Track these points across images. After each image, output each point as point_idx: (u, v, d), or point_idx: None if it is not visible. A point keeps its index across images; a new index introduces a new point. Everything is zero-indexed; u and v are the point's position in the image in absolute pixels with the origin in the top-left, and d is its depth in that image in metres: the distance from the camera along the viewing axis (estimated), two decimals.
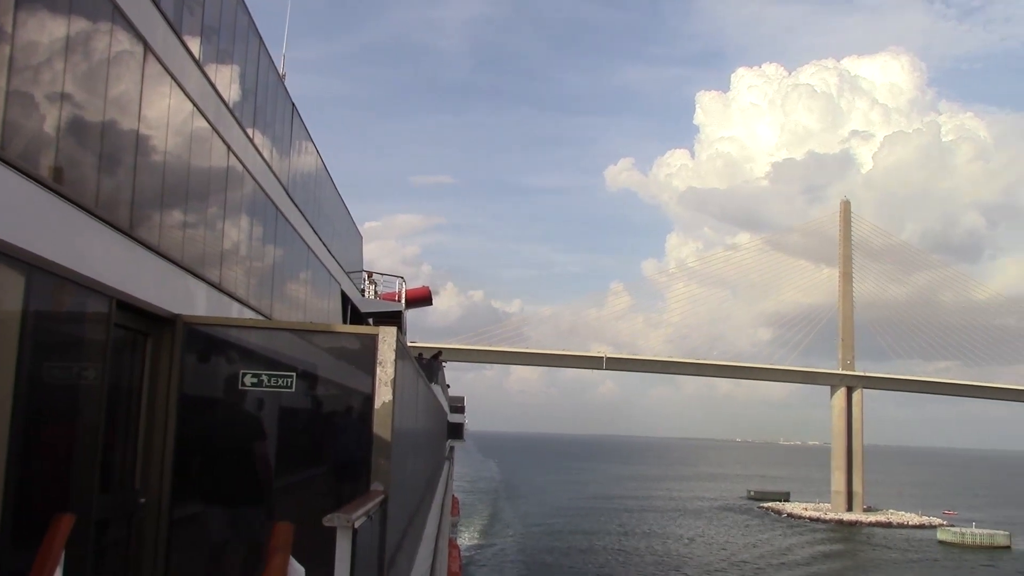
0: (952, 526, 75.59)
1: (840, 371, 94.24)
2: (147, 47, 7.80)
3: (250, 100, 12.36)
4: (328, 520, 5.18)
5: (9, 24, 5.38)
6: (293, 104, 15.89)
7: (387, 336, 7.51)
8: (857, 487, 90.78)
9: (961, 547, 68.82)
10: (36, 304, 5.59)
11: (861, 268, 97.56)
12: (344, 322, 21.82)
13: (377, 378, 7.38)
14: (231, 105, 10.96)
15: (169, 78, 8.49)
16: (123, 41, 7.33)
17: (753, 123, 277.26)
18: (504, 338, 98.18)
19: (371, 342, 7.53)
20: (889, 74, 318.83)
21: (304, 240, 16.50)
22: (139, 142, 7.75)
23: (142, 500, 7.15)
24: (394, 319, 28.78)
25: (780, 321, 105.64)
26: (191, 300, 9.06)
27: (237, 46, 11.67)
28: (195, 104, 9.35)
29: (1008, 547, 68.96)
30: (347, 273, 23.65)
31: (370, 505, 6.14)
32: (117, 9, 7.10)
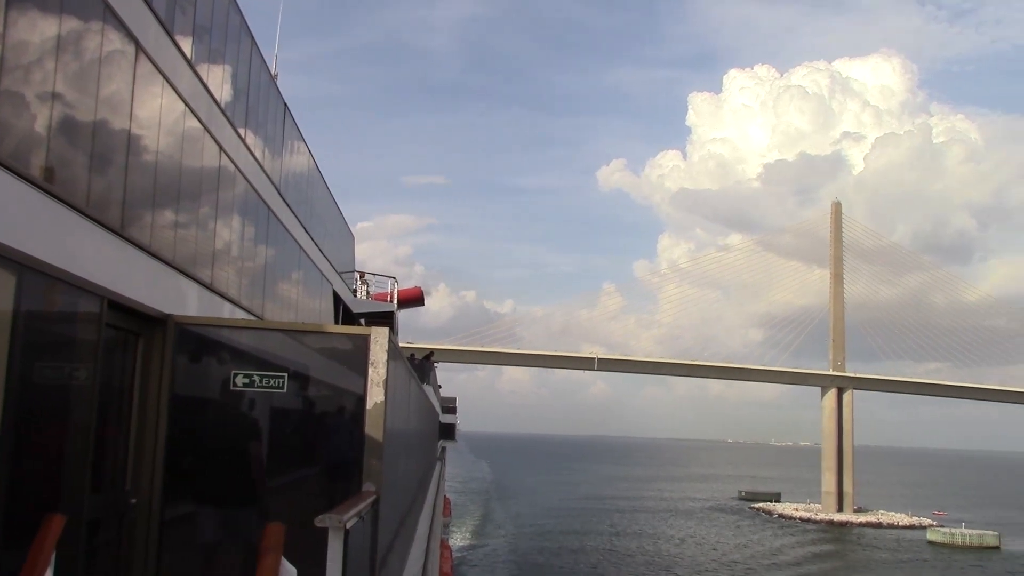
0: (942, 527, 75.96)
1: (831, 372, 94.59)
2: (139, 47, 7.78)
3: (242, 100, 12.34)
4: (320, 521, 5.19)
5: (0, 23, 5.37)
6: (285, 104, 15.86)
7: (379, 337, 7.51)
8: (848, 488, 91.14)
9: (951, 547, 69.17)
10: (27, 304, 5.58)
11: (852, 269, 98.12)
12: (336, 322, 21.78)
13: (369, 379, 7.38)
14: (223, 105, 10.93)
15: (161, 78, 8.47)
16: (114, 40, 7.31)
17: (745, 124, 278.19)
18: (496, 339, 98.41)
19: (363, 343, 7.53)
20: (880, 76, 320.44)
21: (296, 240, 16.48)
22: (131, 142, 7.73)
23: (133, 500, 7.14)
24: (386, 320, 28.74)
25: (771, 322, 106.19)
26: (182, 300, 9.04)
27: (229, 46, 11.65)
28: (187, 104, 9.33)
29: (997, 547, 69.35)
30: (339, 273, 23.62)
31: (362, 506, 6.14)
32: (108, 8, 7.08)
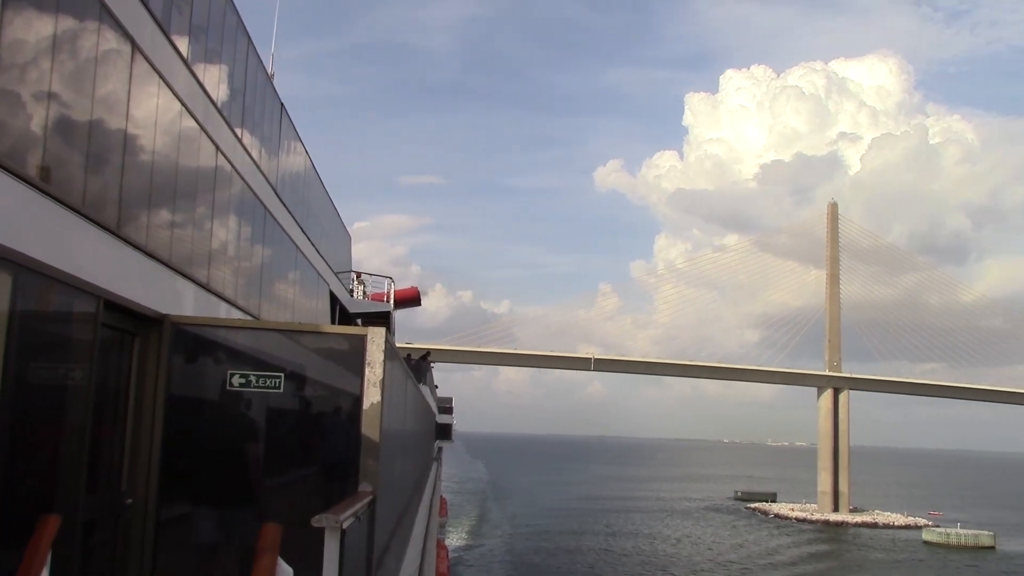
0: (937, 526, 76.04)
1: (827, 372, 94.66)
2: (135, 46, 7.77)
3: (238, 100, 12.33)
4: (316, 521, 5.18)
5: None
6: (282, 104, 15.85)
7: (376, 337, 7.50)
8: (843, 488, 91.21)
9: (946, 547, 69.24)
10: (23, 304, 5.57)
11: (848, 270, 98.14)
12: (332, 323, 21.77)
13: (365, 379, 7.38)
14: (219, 105, 10.92)
15: (157, 77, 8.46)
16: (111, 40, 7.30)
17: (741, 125, 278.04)
18: (493, 339, 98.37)
19: (359, 343, 7.53)
20: (877, 76, 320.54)
21: (292, 240, 16.46)
22: (127, 141, 7.72)
23: (129, 501, 7.13)
24: (383, 320, 28.73)
25: (768, 322, 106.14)
26: (179, 300, 9.03)
27: (225, 45, 11.64)
28: (183, 103, 9.32)
29: (992, 547, 69.44)
30: (336, 273, 23.61)
31: (358, 506, 6.14)
32: (105, 8, 7.07)
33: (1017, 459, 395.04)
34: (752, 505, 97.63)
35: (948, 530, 72.74)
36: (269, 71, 15.89)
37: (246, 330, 8.40)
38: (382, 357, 7.44)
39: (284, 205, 15.45)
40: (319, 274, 20.19)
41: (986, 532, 72.43)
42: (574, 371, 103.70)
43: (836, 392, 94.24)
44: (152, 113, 8.40)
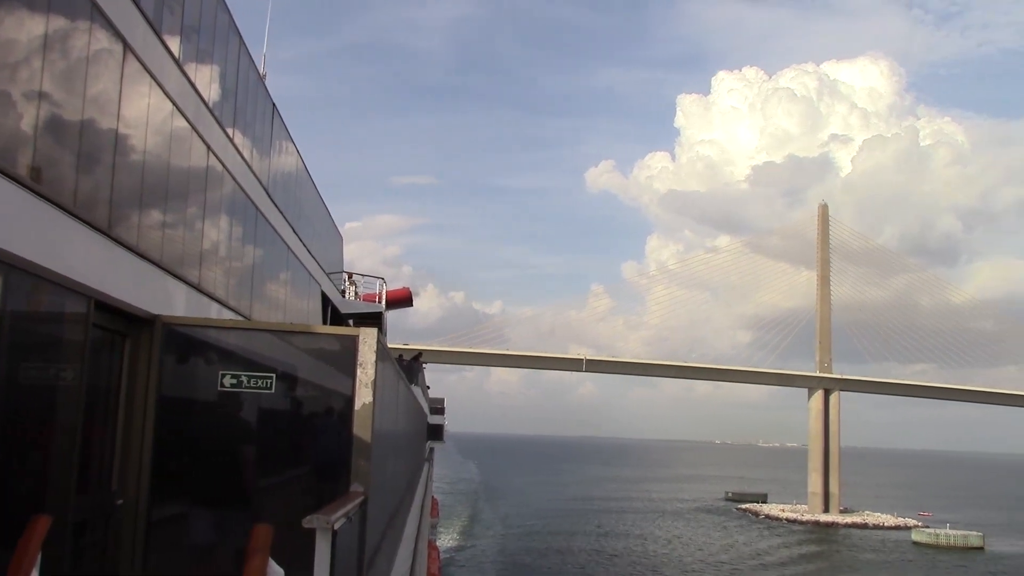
0: (927, 527, 76.40)
1: (817, 374, 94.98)
2: (126, 46, 7.76)
3: (230, 100, 12.30)
4: (307, 522, 5.18)
5: None
6: (274, 104, 15.82)
7: (367, 337, 7.51)
8: (834, 489, 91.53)
9: (935, 548, 69.59)
10: (13, 304, 5.56)
11: (839, 271, 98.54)
12: (324, 323, 21.74)
13: (357, 379, 7.38)
14: (211, 105, 10.90)
15: (148, 77, 8.44)
16: (102, 40, 7.29)
17: (733, 126, 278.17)
18: (485, 339, 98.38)
19: (351, 343, 7.53)
20: (868, 79, 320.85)
21: (284, 240, 16.44)
22: (118, 141, 7.70)
23: (120, 501, 7.12)
24: (374, 320, 28.69)
25: (759, 324, 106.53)
26: (170, 300, 9.01)
27: (217, 45, 11.62)
28: (175, 103, 9.30)
29: (981, 548, 69.83)
30: (327, 274, 23.57)
31: (350, 507, 6.14)
32: (96, 7, 7.06)
33: (1007, 460, 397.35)
34: (743, 506, 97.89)
35: (937, 531, 73.10)
36: (261, 71, 15.87)
37: (237, 330, 8.39)
38: (374, 358, 7.44)
39: (276, 205, 15.43)
40: (311, 274, 20.17)
41: (975, 533, 72.83)
42: (566, 372, 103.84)
43: (826, 393, 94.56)
44: (143, 113, 8.39)
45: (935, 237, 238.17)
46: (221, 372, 7.43)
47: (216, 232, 11.45)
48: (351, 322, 26.35)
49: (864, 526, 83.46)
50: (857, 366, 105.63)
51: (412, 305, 39.52)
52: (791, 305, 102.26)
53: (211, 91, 11.05)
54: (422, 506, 22.14)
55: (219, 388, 7.36)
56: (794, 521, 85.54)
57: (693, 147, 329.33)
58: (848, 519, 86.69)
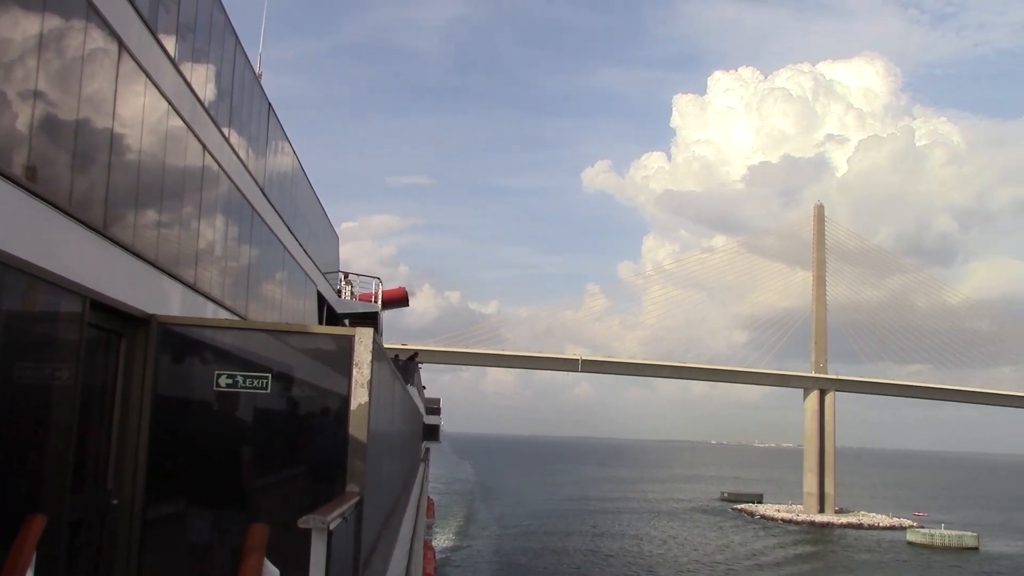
0: (922, 527, 76.49)
1: (813, 374, 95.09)
2: (122, 45, 7.75)
3: (226, 99, 12.29)
4: (303, 522, 5.18)
5: None
6: (269, 103, 15.81)
7: (363, 337, 7.50)
8: (829, 489, 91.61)
9: (930, 548, 69.69)
10: (8, 303, 5.55)
11: (835, 271, 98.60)
12: (320, 323, 21.73)
13: (353, 379, 7.38)
14: (207, 104, 10.89)
15: (144, 76, 8.43)
16: (97, 39, 7.28)
17: (729, 126, 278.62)
18: (481, 340, 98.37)
19: (347, 343, 7.52)
20: (864, 79, 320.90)
21: (280, 240, 16.43)
22: (113, 141, 7.70)
23: (115, 501, 7.10)
24: (370, 320, 28.69)
25: (755, 324, 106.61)
26: (165, 300, 9.01)
27: (213, 45, 11.61)
28: (170, 103, 9.29)
29: (976, 548, 69.93)
30: (323, 274, 23.57)
31: (345, 507, 6.14)
32: (91, 6, 7.05)
33: (1002, 460, 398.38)
34: (738, 506, 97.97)
35: (932, 531, 73.19)
36: (257, 71, 15.86)
37: (233, 330, 8.38)
38: (370, 358, 7.43)
39: (271, 205, 15.42)
40: (307, 274, 20.16)
41: (970, 533, 72.98)
42: (561, 372, 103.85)
43: (822, 393, 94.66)
44: (139, 112, 8.38)
45: (931, 237, 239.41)
46: (217, 372, 7.41)
47: (212, 232, 11.44)
48: (347, 322, 26.34)
49: (859, 526, 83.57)
50: (853, 366, 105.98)
51: (408, 305, 39.53)
52: (787, 305, 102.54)
53: (207, 90, 11.04)
54: (418, 506, 22.13)
55: (215, 388, 7.35)
56: (789, 521, 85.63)
57: (689, 147, 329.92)
58: (843, 519, 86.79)
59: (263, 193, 14.64)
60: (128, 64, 7.94)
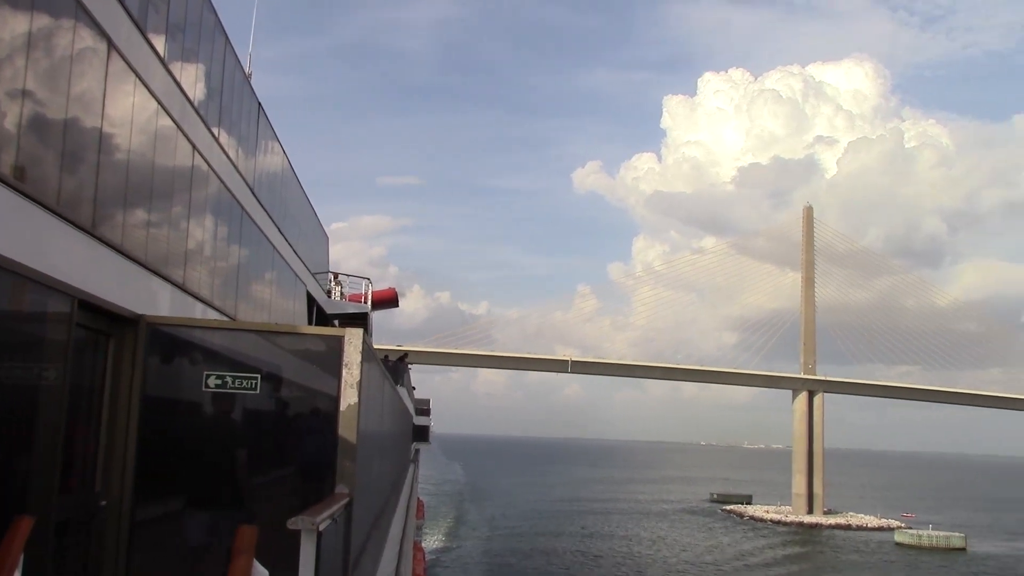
0: (909, 528, 76.87)
1: (802, 375, 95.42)
2: (111, 44, 7.72)
3: (216, 99, 12.26)
4: (292, 523, 5.17)
5: None
6: (259, 103, 15.78)
7: (353, 338, 7.49)
8: (818, 490, 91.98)
9: (918, 549, 70.09)
10: None
11: (824, 273, 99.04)
12: (310, 323, 21.69)
13: (343, 380, 7.37)
14: (196, 104, 10.86)
15: (133, 76, 8.40)
16: (86, 38, 7.25)
17: (719, 128, 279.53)
18: (471, 340, 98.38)
19: (337, 344, 7.52)
20: (853, 80, 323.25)
21: (269, 240, 16.39)
22: (102, 140, 7.67)
23: (103, 502, 7.07)
24: (360, 321, 28.65)
25: (745, 325, 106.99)
26: (154, 300, 8.97)
27: (203, 44, 11.58)
28: (160, 102, 9.26)
29: (963, 549, 70.35)
30: (313, 274, 23.52)
31: (335, 508, 6.13)
32: (80, 5, 7.02)
33: (990, 461, 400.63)
34: (728, 507, 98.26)
35: (920, 532, 73.59)
36: (247, 70, 15.82)
37: (222, 331, 8.35)
38: (359, 358, 7.43)
39: (261, 205, 15.38)
40: (296, 275, 20.12)
41: (957, 534, 73.39)
42: (552, 373, 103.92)
43: (811, 395, 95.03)
44: (128, 112, 8.35)
45: (920, 239, 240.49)
46: (206, 372, 7.39)
47: (201, 232, 11.41)
48: (337, 322, 26.30)
49: (848, 527, 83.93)
50: (842, 368, 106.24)
51: (398, 306, 39.49)
52: (776, 306, 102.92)
53: (196, 90, 11.01)
54: (407, 507, 22.11)
55: (204, 388, 7.33)
56: (778, 522, 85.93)
57: (679, 148, 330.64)
58: (832, 520, 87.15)
59: (253, 193, 14.61)
60: (117, 63, 7.92)
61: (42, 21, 6.42)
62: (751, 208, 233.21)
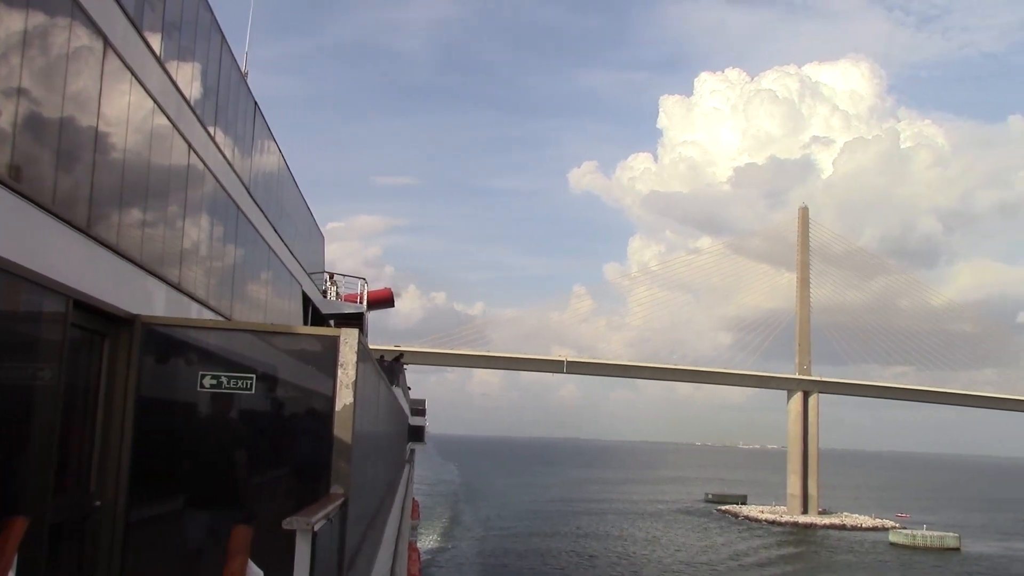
0: (904, 528, 77.04)
1: (797, 376, 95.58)
2: (107, 43, 7.70)
3: (212, 98, 12.24)
4: (287, 523, 5.17)
5: None
6: (255, 102, 15.76)
7: (348, 338, 7.49)
8: (812, 490, 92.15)
9: (912, 549, 70.24)
10: None
11: (820, 273, 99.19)
12: (305, 323, 21.67)
13: (338, 380, 7.36)
14: (192, 103, 10.85)
15: (129, 74, 8.39)
16: (82, 36, 7.23)
17: (716, 128, 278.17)
18: (467, 340, 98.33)
19: (332, 344, 7.51)
20: (849, 81, 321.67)
21: (265, 240, 16.37)
22: (98, 139, 7.65)
23: (98, 503, 7.05)
24: (356, 321, 28.64)
25: (740, 325, 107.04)
26: (150, 300, 8.96)
27: (199, 43, 11.56)
28: (156, 101, 9.25)
29: (957, 549, 70.55)
30: (309, 274, 23.50)
31: (330, 508, 6.13)
32: (76, 4, 7.00)
33: (984, 462, 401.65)
34: (723, 507, 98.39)
35: (914, 532, 73.76)
36: (243, 70, 15.80)
37: (217, 331, 8.35)
38: (355, 359, 7.42)
39: (257, 205, 15.36)
40: (292, 274, 20.10)
41: (951, 534, 73.58)
42: (548, 373, 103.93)
43: (806, 395, 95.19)
44: (124, 111, 8.33)
45: (915, 239, 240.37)
46: (201, 372, 7.38)
47: (197, 231, 11.39)
48: (332, 323, 26.28)
49: (842, 527, 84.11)
50: (837, 368, 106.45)
51: (394, 306, 39.45)
52: (772, 307, 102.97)
53: (192, 89, 11.00)
54: (403, 508, 22.10)
55: (199, 389, 7.32)
56: (773, 522, 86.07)
57: (675, 148, 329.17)
58: (826, 520, 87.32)
59: (249, 193, 14.59)
60: (113, 62, 7.90)
61: (38, 19, 6.41)
62: (747, 208, 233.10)
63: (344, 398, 7.33)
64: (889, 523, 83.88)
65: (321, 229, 29.32)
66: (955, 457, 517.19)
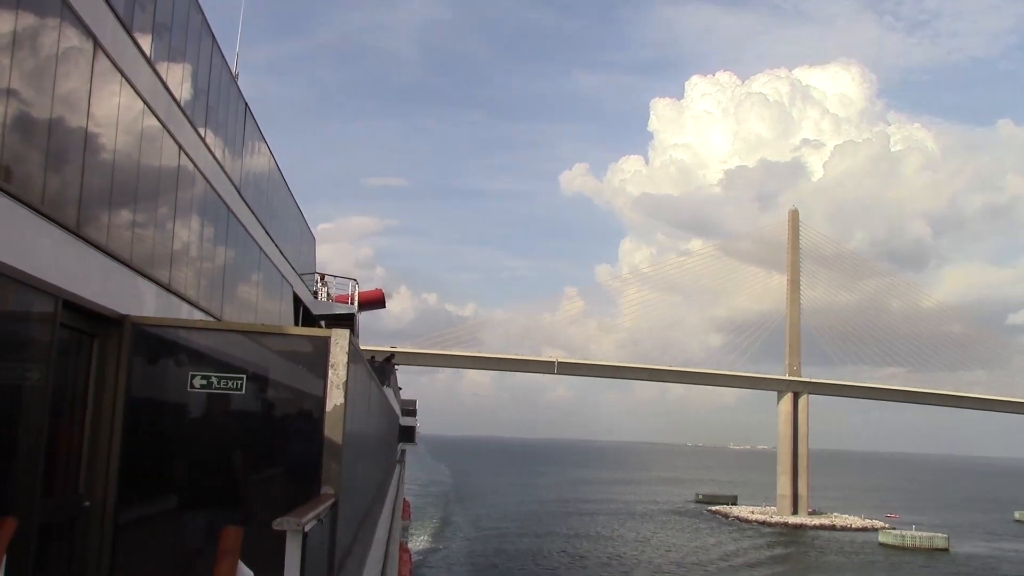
0: (893, 529, 77.33)
1: (786, 377, 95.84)
2: (97, 43, 7.69)
3: (202, 99, 12.22)
4: (278, 524, 5.17)
5: None
6: (246, 104, 15.73)
7: (339, 339, 7.49)
8: (802, 491, 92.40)
9: (901, 549, 70.54)
10: None
11: (810, 275, 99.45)
12: (296, 324, 21.63)
13: (329, 381, 7.36)
14: (182, 104, 10.83)
15: (119, 75, 8.37)
16: (72, 37, 7.22)
17: (706, 130, 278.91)
18: (458, 341, 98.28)
19: (323, 345, 7.51)
20: (840, 84, 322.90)
21: (256, 241, 16.34)
22: (88, 140, 7.63)
23: (87, 504, 7.04)
24: (347, 322, 28.60)
25: (731, 327, 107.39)
26: (139, 300, 8.94)
27: (189, 44, 11.54)
28: (145, 102, 9.22)
29: (946, 549, 70.86)
30: (299, 275, 23.46)
31: (320, 509, 6.13)
32: (66, 4, 6.99)
33: (973, 462, 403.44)
34: (713, 508, 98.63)
35: (903, 532, 74.05)
36: (233, 71, 15.77)
37: (208, 331, 8.33)
38: (346, 359, 7.42)
39: (247, 206, 15.34)
40: (282, 275, 20.06)
41: (940, 534, 73.90)
42: (539, 374, 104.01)
43: (796, 396, 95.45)
44: (114, 111, 8.31)
45: (905, 242, 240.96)
46: (191, 373, 7.38)
47: (187, 232, 11.37)
48: (323, 323, 26.24)
49: (832, 528, 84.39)
50: (827, 369, 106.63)
51: (385, 307, 39.43)
52: (762, 308, 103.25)
53: (182, 90, 10.98)
54: (393, 508, 22.08)
55: (189, 389, 7.31)
56: (763, 523, 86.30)
57: (666, 151, 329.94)
58: (816, 521, 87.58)
59: (239, 194, 14.56)
60: (103, 63, 7.88)
61: (27, 20, 6.39)
62: (738, 211, 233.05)
63: (335, 399, 7.34)
64: (878, 524, 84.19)
65: (312, 230, 29.29)
66: (945, 458, 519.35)
